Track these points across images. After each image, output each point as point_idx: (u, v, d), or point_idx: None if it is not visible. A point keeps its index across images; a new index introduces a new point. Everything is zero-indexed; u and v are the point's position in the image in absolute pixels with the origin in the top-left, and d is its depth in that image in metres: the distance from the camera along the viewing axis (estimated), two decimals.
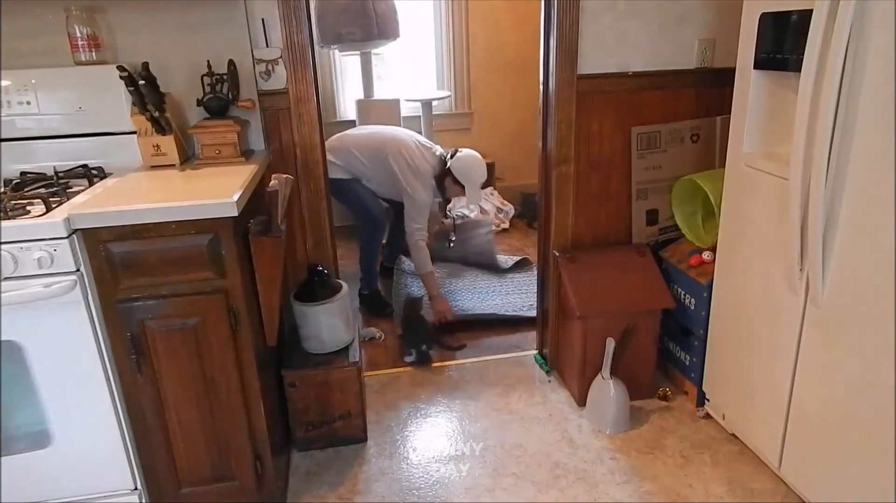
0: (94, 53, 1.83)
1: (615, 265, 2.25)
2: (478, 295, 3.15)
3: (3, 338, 1.42)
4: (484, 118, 4.53)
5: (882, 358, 1.38)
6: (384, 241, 3.30)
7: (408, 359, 2.59)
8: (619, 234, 2.38)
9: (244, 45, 1.94)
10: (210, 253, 1.46)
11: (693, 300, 2.13)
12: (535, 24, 2.24)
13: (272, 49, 1.97)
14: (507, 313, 2.92)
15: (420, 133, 4.00)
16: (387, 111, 3.81)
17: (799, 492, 1.75)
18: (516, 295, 3.15)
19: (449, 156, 2.92)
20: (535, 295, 3.05)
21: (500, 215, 4.27)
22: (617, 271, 2.22)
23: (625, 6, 2.11)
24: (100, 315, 1.46)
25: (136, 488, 1.62)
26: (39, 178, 1.75)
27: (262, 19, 1.94)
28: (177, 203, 1.42)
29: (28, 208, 1.44)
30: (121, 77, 1.67)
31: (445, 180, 2.92)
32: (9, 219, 1.37)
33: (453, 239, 3.53)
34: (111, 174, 1.83)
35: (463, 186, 2.89)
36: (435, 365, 2.58)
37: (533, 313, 2.86)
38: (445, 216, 4.24)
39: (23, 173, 1.79)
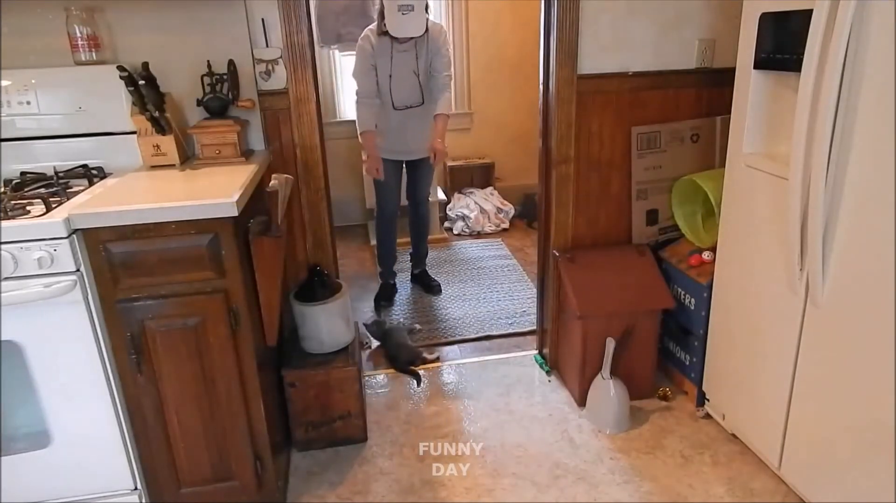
0: (94, 53, 1.83)
1: (615, 265, 2.25)
2: (468, 303, 3.15)
3: (3, 338, 1.42)
4: (484, 118, 4.53)
5: (882, 358, 1.38)
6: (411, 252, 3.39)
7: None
8: (619, 234, 2.38)
9: (244, 45, 1.94)
10: (210, 253, 1.46)
11: (693, 300, 2.13)
12: (535, 24, 2.24)
13: (272, 49, 1.97)
14: (500, 332, 2.84)
15: None
16: None
17: (799, 492, 1.75)
18: (507, 301, 3.14)
19: None
20: (527, 301, 3.09)
21: (500, 215, 4.27)
22: (617, 271, 2.22)
23: (625, 6, 2.11)
24: (100, 315, 1.46)
25: (136, 488, 1.62)
26: (39, 178, 1.75)
27: (262, 19, 1.94)
28: (177, 203, 1.42)
29: (28, 208, 1.44)
30: (121, 77, 1.67)
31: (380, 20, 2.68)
32: (9, 219, 1.37)
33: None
34: (111, 174, 1.83)
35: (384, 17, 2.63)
36: (435, 365, 2.58)
37: (525, 324, 2.87)
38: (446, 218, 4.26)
39: (23, 173, 1.79)
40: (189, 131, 1.87)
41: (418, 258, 3.38)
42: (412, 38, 2.68)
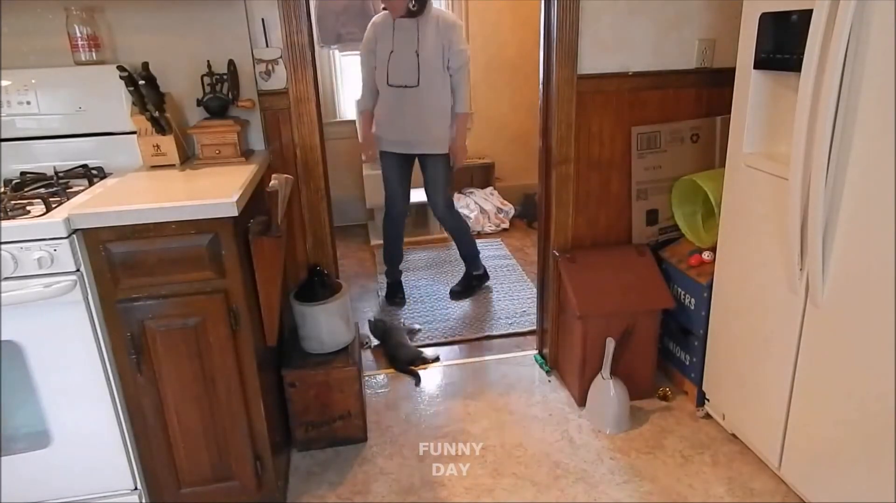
0: (94, 53, 1.83)
1: (615, 265, 2.25)
2: (468, 303, 3.14)
3: (3, 338, 1.42)
4: (484, 118, 4.53)
5: (882, 358, 1.38)
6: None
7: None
8: (619, 234, 2.38)
9: (244, 45, 1.94)
10: (210, 253, 1.46)
11: (693, 300, 2.13)
12: (534, 24, 2.24)
13: (272, 49, 1.97)
14: (500, 332, 2.84)
15: None
16: None
17: (799, 492, 1.75)
18: (507, 301, 3.14)
19: None
20: (527, 301, 3.09)
21: (500, 215, 4.27)
22: (617, 271, 2.22)
23: (625, 6, 2.11)
24: (100, 315, 1.46)
25: (136, 488, 1.62)
26: (39, 178, 1.75)
27: (262, 19, 1.94)
28: (177, 203, 1.42)
29: (28, 208, 1.44)
30: (121, 77, 1.67)
31: None
32: (9, 219, 1.37)
33: None
34: (111, 174, 1.83)
35: None
36: (435, 365, 2.59)
37: (525, 324, 2.87)
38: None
39: (23, 173, 1.79)
40: (189, 131, 1.87)
41: (466, 261, 3.26)
42: (413, 13, 2.68)
